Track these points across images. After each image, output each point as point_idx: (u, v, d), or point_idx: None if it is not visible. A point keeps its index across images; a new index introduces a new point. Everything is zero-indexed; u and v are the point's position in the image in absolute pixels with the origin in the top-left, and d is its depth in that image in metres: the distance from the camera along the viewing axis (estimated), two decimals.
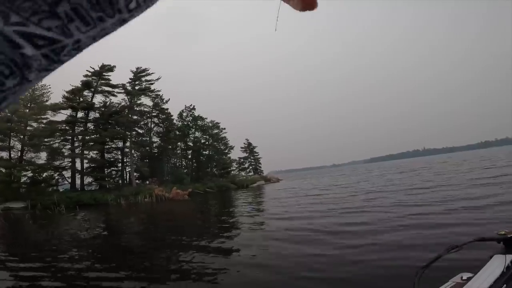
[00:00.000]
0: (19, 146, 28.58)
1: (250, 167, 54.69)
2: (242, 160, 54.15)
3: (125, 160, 33.67)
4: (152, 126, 37.51)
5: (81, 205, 23.32)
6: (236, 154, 51.86)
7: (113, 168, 33.65)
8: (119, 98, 34.19)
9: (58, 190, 28.80)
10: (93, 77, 32.33)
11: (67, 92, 31.25)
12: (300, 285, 4.05)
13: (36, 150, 28.92)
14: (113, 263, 6.21)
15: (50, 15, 0.22)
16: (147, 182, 32.14)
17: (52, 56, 0.24)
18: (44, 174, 28.88)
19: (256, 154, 55.69)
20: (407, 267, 3.68)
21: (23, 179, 27.62)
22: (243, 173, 51.80)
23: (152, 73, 35.27)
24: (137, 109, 34.50)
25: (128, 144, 33.03)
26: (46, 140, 28.99)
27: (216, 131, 44.87)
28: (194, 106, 42.78)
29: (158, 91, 35.98)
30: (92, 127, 32.54)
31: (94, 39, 0.26)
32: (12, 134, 27.90)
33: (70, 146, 30.70)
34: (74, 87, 31.34)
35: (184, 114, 42.09)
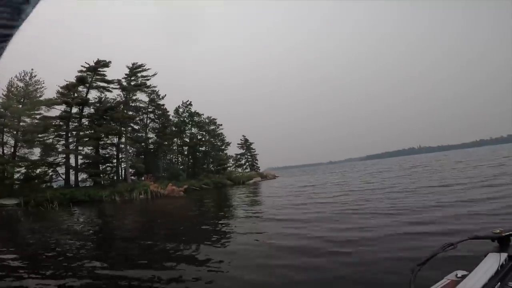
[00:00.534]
0: (12, 142, 28.16)
1: (247, 164, 54.66)
2: (238, 156, 54.09)
3: (120, 156, 33.38)
4: (148, 122, 37.24)
5: (75, 202, 23.10)
6: (233, 150, 51.77)
7: (108, 164, 33.35)
8: (115, 94, 33.82)
9: (52, 187, 28.46)
10: (88, 73, 31.91)
11: (61, 87, 30.81)
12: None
13: (29, 146, 28.49)
14: (94, 263, 6.04)
15: None
16: (143, 178, 31.92)
17: None
18: (38, 170, 28.54)
19: (253, 151, 55.63)
20: None
21: (16, 176, 27.24)
22: (239, 170, 51.77)
23: (148, 69, 34.86)
24: (133, 104, 34.14)
25: (123, 140, 32.71)
26: (39, 135, 28.59)
27: (212, 127, 44.68)
28: (190, 102, 42.56)
29: (154, 86, 35.67)
30: (86, 122, 32.15)
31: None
32: (5, 129, 27.46)
33: (64, 141, 30.35)
34: (68, 83, 30.95)
35: (181, 110, 41.86)
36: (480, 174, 15.67)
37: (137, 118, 35.20)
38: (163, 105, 37.58)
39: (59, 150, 29.83)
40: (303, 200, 13.53)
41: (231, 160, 50.48)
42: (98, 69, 32.18)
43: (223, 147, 46.21)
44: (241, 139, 55.36)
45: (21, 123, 28.28)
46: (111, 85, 33.08)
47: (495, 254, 1.30)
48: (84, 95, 31.88)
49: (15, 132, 27.96)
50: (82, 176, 30.93)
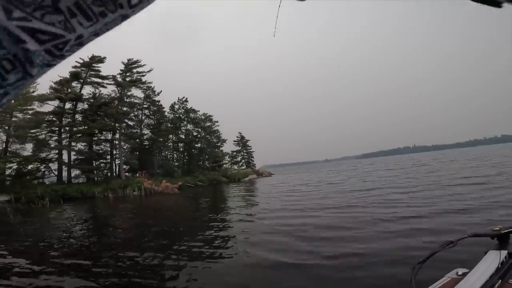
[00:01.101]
0: (3, 137, 27.72)
1: (243, 161, 54.59)
2: (234, 153, 53.99)
3: (114, 153, 33.03)
4: (143, 118, 36.90)
5: (67, 199, 22.81)
6: (229, 147, 51.70)
7: (101, 161, 32.95)
8: (109, 90, 33.43)
9: (44, 183, 28.05)
10: (82, 68, 31.49)
11: (54, 83, 30.36)
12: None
13: (21, 141, 28.09)
14: (70, 261, 5.84)
15: (53, 10, 0.22)
16: (137, 175, 31.66)
17: (55, 51, 0.24)
18: (30, 166, 28.10)
19: (249, 148, 55.54)
20: None
21: (7, 172, 26.82)
22: (235, 167, 51.71)
23: (143, 65, 34.52)
24: (127, 100, 33.75)
25: (117, 136, 32.37)
26: (32, 131, 28.18)
27: (208, 124, 44.48)
28: (186, 98, 42.26)
29: (150, 83, 35.33)
30: (80, 118, 31.73)
31: (96, 34, 0.26)
32: None
33: (57, 137, 29.93)
34: (62, 78, 30.50)
35: (176, 106, 41.58)
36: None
37: (132, 114, 34.85)
38: (159, 101, 37.34)
39: (52, 145, 29.43)
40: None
41: (227, 157, 50.46)
42: (93, 65, 31.77)
43: (219, 144, 46.11)
44: (237, 136, 55.33)
45: (13, 118, 27.86)
46: (106, 81, 32.73)
47: (495, 251, 1.31)
48: (78, 91, 31.48)
49: (6, 127, 27.53)
50: (75, 172, 30.58)
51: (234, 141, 54.42)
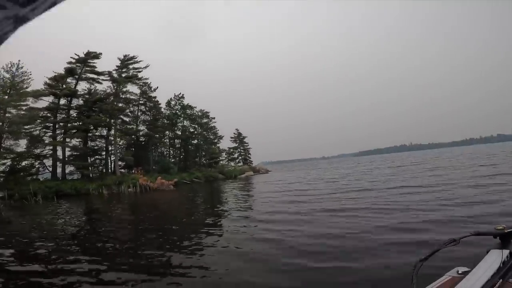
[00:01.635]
0: None
1: (240, 158, 54.42)
2: (231, 150, 53.78)
3: (110, 149, 32.79)
4: (139, 114, 36.61)
5: (61, 195, 22.66)
6: (226, 144, 51.54)
7: (97, 157, 32.70)
8: (105, 86, 33.15)
9: (39, 179, 27.86)
10: (78, 64, 31.17)
11: (49, 79, 30.02)
12: None
13: (15, 137, 27.73)
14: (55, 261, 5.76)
15: None
16: (133, 171, 31.50)
17: None
18: (24, 163, 27.81)
19: (246, 145, 55.36)
20: None
21: (1, 168, 26.55)
22: (232, 164, 51.55)
23: (140, 61, 34.18)
24: (123, 96, 33.44)
25: (112, 132, 32.12)
26: (26, 127, 27.85)
27: (205, 120, 44.29)
28: (183, 94, 42.03)
29: (146, 79, 35.01)
30: (75, 114, 31.46)
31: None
32: None
33: (51, 133, 29.65)
34: (56, 74, 30.15)
35: (173, 102, 41.36)
36: None
37: (128, 110, 34.58)
38: (155, 97, 37.09)
39: (46, 142, 29.15)
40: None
41: (224, 153, 50.29)
42: (88, 61, 31.48)
43: (215, 141, 45.94)
44: (234, 133, 55.10)
45: (7, 114, 27.51)
46: (101, 77, 32.46)
47: (497, 250, 1.30)
48: (73, 87, 31.15)
49: (0, 123, 27.18)
50: (69, 168, 30.39)
51: (231, 137, 54.26)
